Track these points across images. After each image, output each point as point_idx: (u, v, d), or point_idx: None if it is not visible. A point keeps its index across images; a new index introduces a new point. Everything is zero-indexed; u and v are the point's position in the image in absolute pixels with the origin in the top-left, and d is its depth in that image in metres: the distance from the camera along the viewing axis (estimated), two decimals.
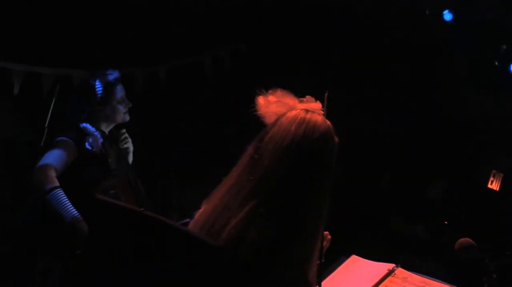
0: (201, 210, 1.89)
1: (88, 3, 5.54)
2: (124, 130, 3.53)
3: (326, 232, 1.99)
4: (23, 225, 3.47)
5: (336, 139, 1.82)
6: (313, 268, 1.76)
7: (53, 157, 3.16)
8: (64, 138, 3.22)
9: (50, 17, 5.43)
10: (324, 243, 1.97)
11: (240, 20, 6.19)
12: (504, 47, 5.70)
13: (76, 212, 3.03)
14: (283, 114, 1.83)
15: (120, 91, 3.41)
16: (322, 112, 1.86)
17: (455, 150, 6.19)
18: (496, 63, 5.81)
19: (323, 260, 1.92)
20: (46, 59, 5.25)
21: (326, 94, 2.02)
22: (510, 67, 5.80)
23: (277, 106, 1.87)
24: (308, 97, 1.90)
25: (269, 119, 1.87)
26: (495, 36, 5.73)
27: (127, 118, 3.46)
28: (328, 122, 1.83)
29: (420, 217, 6.13)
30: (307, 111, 1.82)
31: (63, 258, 3.13)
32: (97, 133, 3.28)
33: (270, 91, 1.90)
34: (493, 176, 5.46)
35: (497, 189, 5.49)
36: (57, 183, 3.07)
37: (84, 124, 3.27)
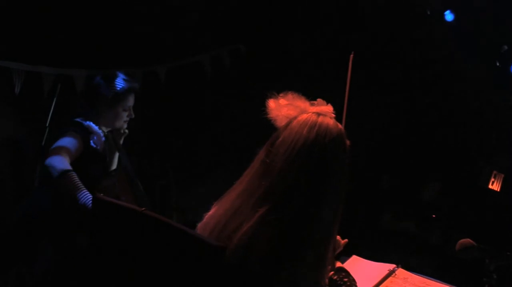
0: (210, 213, 1.88)
1: (89, 3, 5.55)
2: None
3: (338, 237, 1.99)
4: (22, 217, 3.43)
5: (348, 142, 1.81)
6: (325, 273, 1.76)
7: (68, 141, 3.14)
8: (73, 131, 3.20)
9: (50, 16, 5.44)
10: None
11: (240, 20, 6.21)
12: (506, 47, 5.70)
13: (90, 196, 3.00)
14: (295, 118, 1.82)
15: (130, 101, 3.41)
16: (334, 115, 1.85)
17: (454, 150, 6.20)
18: (497, 64, 5.82)
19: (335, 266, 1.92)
20: (46, 59, 5.27)
21: (352, 55, 2.02)
22: (511, 67, 5.81)
23: (288, 109, 1.86)
24: (319, 100, 1.89)
25: (280, 122, 1.86)
26: (496, 36, 5.74)
27: (125, 126, 3.46)
28: (340, 126, 1.82)
29: (414, 215, 6.15)
30: (318, 114, 1.81)
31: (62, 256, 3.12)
32: (100, 132, 3.28)
33: (281, 94, 1.89)
34: (494, 177, 5.48)
35: (498, 190, 5.50)
36: (70, 167, 3.04)
37: (88, 122, 3.28)
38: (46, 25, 5.49)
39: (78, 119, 3.31)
